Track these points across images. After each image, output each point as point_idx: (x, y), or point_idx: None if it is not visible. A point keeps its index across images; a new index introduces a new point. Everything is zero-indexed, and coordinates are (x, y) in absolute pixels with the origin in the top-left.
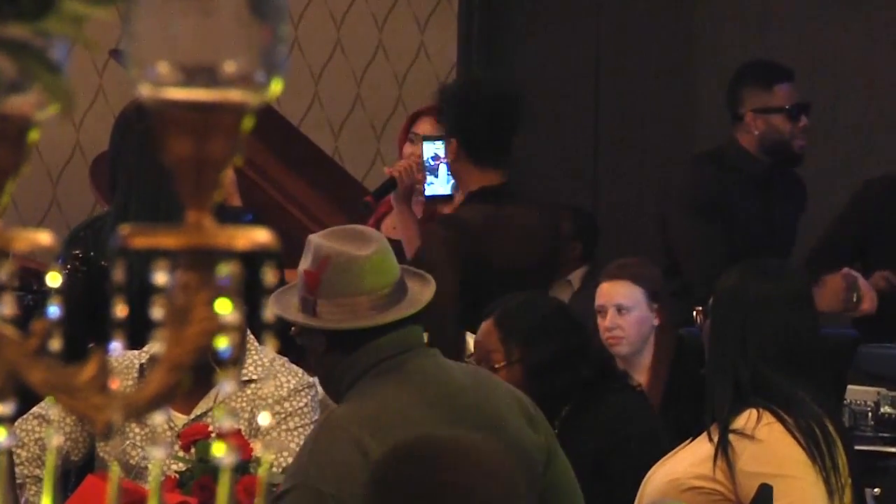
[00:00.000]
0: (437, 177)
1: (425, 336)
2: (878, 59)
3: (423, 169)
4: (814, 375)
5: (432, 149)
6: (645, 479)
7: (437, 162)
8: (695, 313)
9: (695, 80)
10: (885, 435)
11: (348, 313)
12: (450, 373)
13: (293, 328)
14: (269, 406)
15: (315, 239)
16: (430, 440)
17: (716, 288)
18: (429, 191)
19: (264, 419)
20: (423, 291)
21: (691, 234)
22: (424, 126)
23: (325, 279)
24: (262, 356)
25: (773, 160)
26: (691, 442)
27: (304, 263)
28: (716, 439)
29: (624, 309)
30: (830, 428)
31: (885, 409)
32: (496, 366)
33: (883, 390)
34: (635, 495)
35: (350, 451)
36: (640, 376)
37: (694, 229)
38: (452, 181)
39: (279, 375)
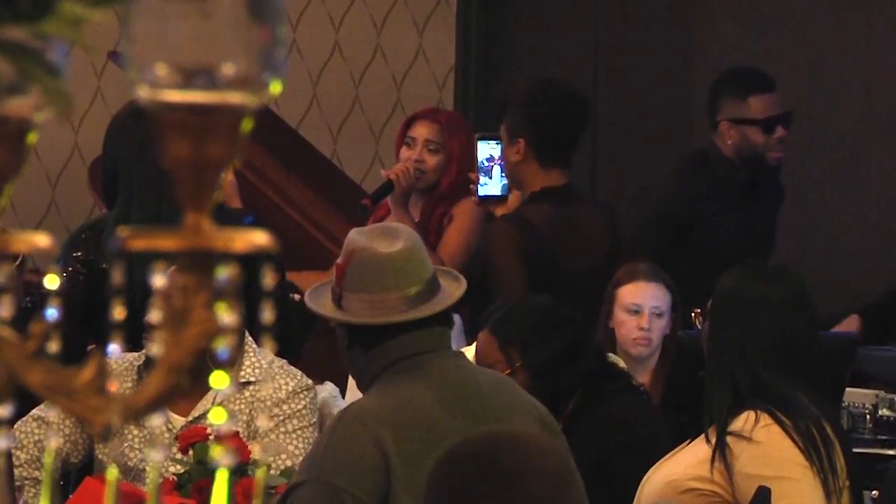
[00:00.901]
0: (490, 178)
1: None
2: (878, 60)
3: (477, 169)
4: (812, 377)
5: (487, 149)
6: (643, 480)
7: (492, 163)
8: (693, 315)
9: (695, 80)
10: (884, 437)
11: (371, 309)
12: (470, 376)
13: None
14: (268, 408)
15: (351, 233)
16: (488, 433)
17: (714, 290)
18: (482, 191)
19: (263, 421)
20: (453, 293)
21: (644, 242)
22: (420, 129)
23: (348, 272)
24: (261, 358)
25: (749, 169)
26: (690, 443)
27: (340, 256)
28: (714, 441)
29: (658, 313)
30: (828, 430)
31: (884, 411)
32: None
33: (881, 393)
34: (634, 496)
35: (366, 446)
36: (643, 378)
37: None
38: (505, 182)
39: (278, 377)
